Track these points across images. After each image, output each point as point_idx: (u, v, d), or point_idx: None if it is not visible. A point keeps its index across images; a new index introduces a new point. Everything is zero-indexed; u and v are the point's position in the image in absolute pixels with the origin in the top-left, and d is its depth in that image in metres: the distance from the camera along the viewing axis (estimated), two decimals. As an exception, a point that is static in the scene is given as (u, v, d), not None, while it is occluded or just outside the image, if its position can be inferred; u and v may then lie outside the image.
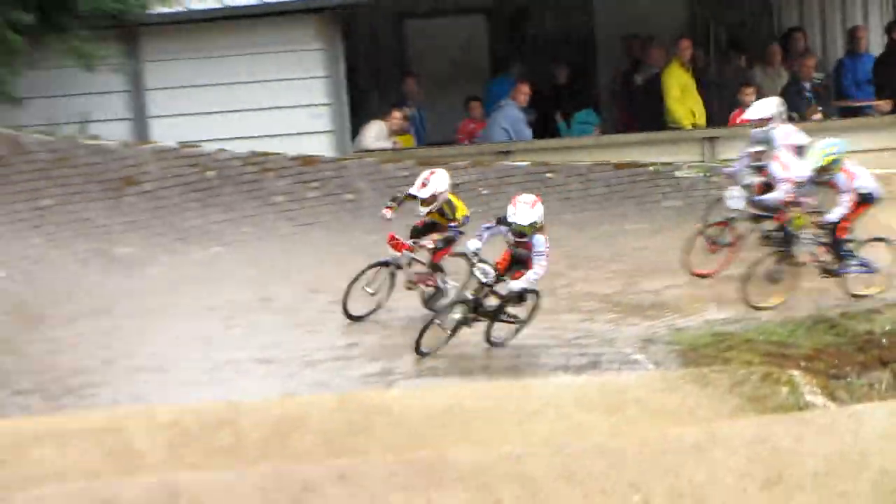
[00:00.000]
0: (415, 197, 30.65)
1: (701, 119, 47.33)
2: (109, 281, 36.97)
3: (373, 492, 18.29)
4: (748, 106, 46.42)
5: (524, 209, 27.45)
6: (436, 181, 29.91)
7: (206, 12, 45.34)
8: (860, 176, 29.20)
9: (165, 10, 45.07)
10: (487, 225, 28.83)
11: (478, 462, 19.22)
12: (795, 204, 32.33)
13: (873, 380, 27.71)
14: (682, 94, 47.52)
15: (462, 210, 32.28)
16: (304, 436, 22.75)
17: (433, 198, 29.94)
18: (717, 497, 17.64)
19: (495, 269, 28.95)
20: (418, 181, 30.27)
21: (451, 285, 33.34)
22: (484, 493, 18.06)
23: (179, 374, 30.52)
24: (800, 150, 35.12)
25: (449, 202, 31.43)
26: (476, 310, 29.30)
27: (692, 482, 18.01)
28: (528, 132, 48.32)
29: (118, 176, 41.44)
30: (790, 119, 45.21)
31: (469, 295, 29.09)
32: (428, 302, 33.75)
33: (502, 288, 28.16)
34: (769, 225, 32.75)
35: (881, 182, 40.83)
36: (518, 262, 29.05)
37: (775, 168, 32.96)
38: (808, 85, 48.84)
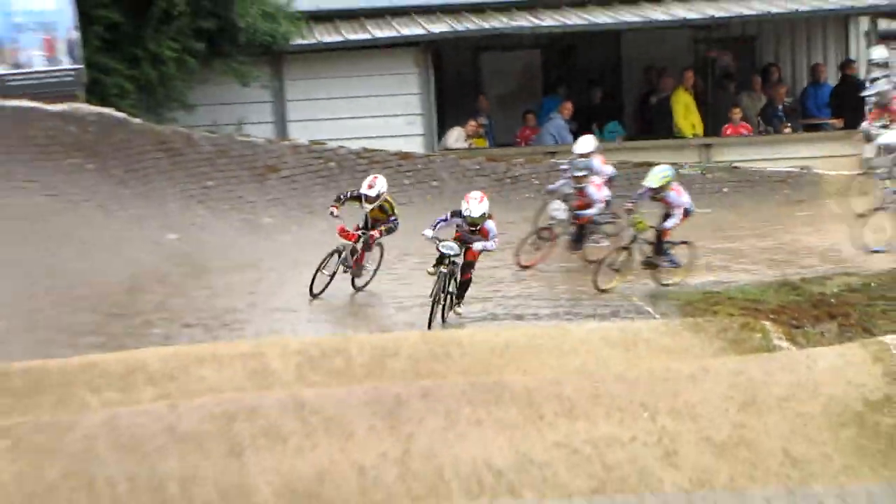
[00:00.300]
0: (357, 198, 29.99)
1: (700, 131, 47.38)
2: (255, 243, 37.15)
3: (448, 406, 18.70)
4: (736, 122, 47.85)
5: (476, 204, 27.59)
6: (380, 184, 29.54)
7: (332, 44, 45.98)
8: (685, 194, 29.86)
9: (303, 41, 46.00)
10: (442, 218, 28.61)
11: (527, 385, 19.63)
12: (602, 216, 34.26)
13: (824, 329, 27.90)
14: (685, 112, 47.73)
15: (395, 207, 31.41)
16: (397, 362, 23.29)
17: (377, 197, 29.52)
18: (706, 415, 18.15)
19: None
20: (365, 183, 29.77)
21: (372, 268, 32.64)
22: (531, 409, 18.51)
23: (305, 315, 31.32)
24: (610, 179, 35.98)
25: (388, 201, 30.76)
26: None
27: (687, 403, 18.58)
28: (570, 138, 47.12)
29: (263, 164, 41.81)
30: (766, 132, 47.72)
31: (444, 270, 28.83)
32: (354, 281, 32.63)
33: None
34: (609, 228, 33.98)
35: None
36: (465, 243, 28.49)
37: (591, 190, 34.08)
38: (780, 107, 48.86)
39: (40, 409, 21.20)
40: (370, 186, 28.87)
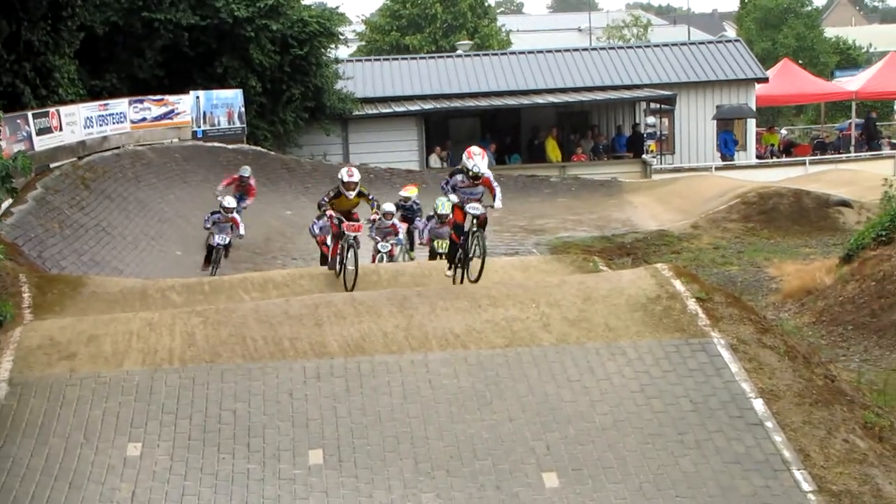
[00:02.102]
0: (337, 195, 22.93)
1: (559, 159, 47.15)
2: None
3: (431, 300, 18.18)
4: (578, 153, 47.83)
5: (479, 159, 21.09)
6: (357, 172, 23.32)
7: (372, 114, 46.35)
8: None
9: (358, 113, 45.86)
10: (445, 182, 21.79)
11: (472, 289, 19.51)
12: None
13: (625, 261, 27.81)
14: (552, 149, 47.54)
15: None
16: (404, 278, 22.97)
17: (357, 183, 22.93)
18: (565, 304, 17.72)
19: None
20: (343, 173, 23.34)
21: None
22: (474, 301, 18.15)
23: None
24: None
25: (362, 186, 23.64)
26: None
27: (555, 298, 18.25)
28: (493, 161, 47.52)
29: (336, 175, 41.84)
30: (592, 160, 48.60)
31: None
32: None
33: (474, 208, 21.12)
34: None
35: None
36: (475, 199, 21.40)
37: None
38: (600, 146, 48.78)
39: (219, 301, 20.83)
40: (350, 174, 23.01)
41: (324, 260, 26.22)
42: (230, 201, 28.02)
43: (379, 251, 27.16)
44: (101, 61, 37.95)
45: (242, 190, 30.98)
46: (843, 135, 54.25)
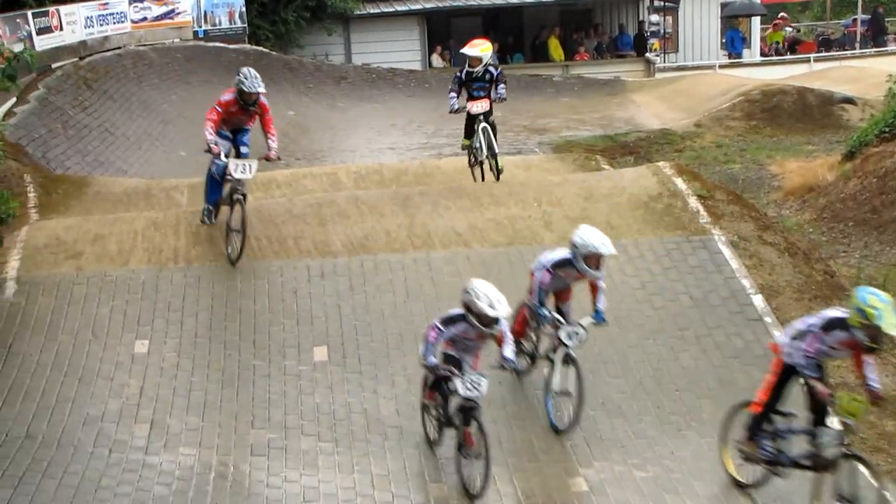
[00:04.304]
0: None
1: (562, 58, 46.93)
2: (334, 116, 36.68)
3: (433, 199, 18.06)
4: (581, 52, 47.65)
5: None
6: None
7: (374, 13, 45.93)
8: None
9: (360, 12, 45.75)
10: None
11: (474, 188, 19.49)
12: None
13: (627, 160, 27.75)
14: (555, 48, 47.29)
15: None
16: (407, 176, 22.76)
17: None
18: (567, 203, 17.64)
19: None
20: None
21: None
22: (476, 200, 18.04)
23: (359, 152, 30.99)
24: None
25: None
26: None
27: (557, 197, 18.16)
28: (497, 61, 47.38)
29: (339, 75, 41.24)
30: (596, 58, 48.24)
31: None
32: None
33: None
34: None
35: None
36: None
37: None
38: (604, 45, 48.61)
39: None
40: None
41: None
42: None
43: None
44: (102, -40, 37.76)
45: (243, 116, 17.71)
46: (848, 31, 53.94)
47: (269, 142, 16.40)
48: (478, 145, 20.32)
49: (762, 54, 51.50)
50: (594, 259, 13.04)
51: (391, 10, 47.35)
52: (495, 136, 20.49)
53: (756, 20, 52.62)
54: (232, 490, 11.53)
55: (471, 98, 20.13)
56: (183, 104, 33.10)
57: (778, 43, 52.80)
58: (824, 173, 25.13)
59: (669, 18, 51.20)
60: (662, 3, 50.35)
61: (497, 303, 12.09)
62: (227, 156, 16.69)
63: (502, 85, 19.88)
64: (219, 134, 17.03)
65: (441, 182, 21.92)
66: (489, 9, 48.89)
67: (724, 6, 50.96)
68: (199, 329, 15.07)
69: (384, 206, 18.49)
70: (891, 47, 48.72)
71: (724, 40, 50.88)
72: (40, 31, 30.19)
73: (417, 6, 47.31)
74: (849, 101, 34.71)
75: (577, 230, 13.36)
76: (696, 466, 12.77)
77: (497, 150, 20.50)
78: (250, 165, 15.64)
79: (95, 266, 16.49)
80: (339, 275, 16.31)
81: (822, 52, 50.89)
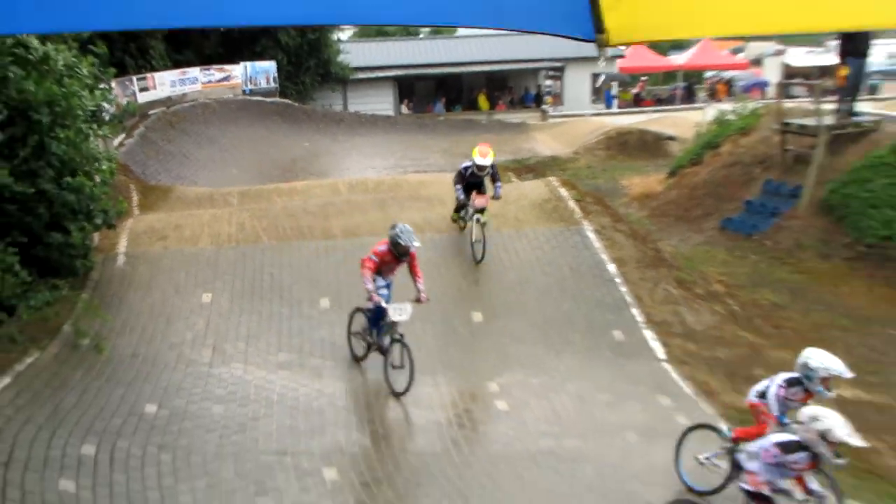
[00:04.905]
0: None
1: (487, 108, 46.88)
2: (336, 146, 36.49)
3: (401, 202, 17.97)
4: (501, 104, 47.14)
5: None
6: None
7: (362, 78, 45.43)
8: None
9: (353, 77, 45.49)
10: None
11: (428, 194, 19.41)
12: None
13: (529, 176, 27.74)
14: (482, 101, 47.22)
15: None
16: (383, 186, 22.36)
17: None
18: (490, 204, 18.05)
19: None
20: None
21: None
22: (429, 202, 17.91)
23: (352, 170, 30.74)
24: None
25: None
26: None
27: (505, 199, 18.51)
28: (444, 110, 47.66)
29: (338, 119, 41.08)
30: (509, 108, 46.94)
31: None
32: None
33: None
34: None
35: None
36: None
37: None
38: (515, 100, 48.50)
39: (259, 202, 20.77)
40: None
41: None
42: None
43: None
44: (181, 42, 37.58)
45: (394, 264, 12.85)
46: (672, 93, 54.24)
47: (419, 285, 12.25)
48: (472, 239, 16.27)
49: (618, 107, 51.74)
50: (826, 381, 8.79)
51: (374, 76, 46.98)
52: (484, 229, 16.31)
53: (615, 83, 52.95)
54: (266, 393, 11.56)
55: (469, 188, 16.50)
56: (235, 138, 33.03)
57: (627, 100, 53.07)
58: (656, 186, 25.36)
59: (558, 82, 51.34)
60: (554, 73, 50.62)
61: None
62: (386, 302, 12.40)
63: (499, 183, 16.53)
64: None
65: (406, 190, 21.64)
66: (439, 75, 48.89)
67: (595, 76, 51.12)
68: (244, 287, 15.04)
69: (368, 206, 18.44)
70: (697, 105, 48.88)
71: (593, 98, 51.24)
72: (141, 90, 30.57)
73: (392, 73, 47.27)
74: (671, 138, 34.93)
75: (809, 354, 8.94)
76: (569, 375, 12.94)
77: (485, 244, 16.10)
78: (406, 309, 11.91)
79: (176, 245, 16.44)
80: (337, 251, 16.26)
81: (656, 106, 51.18)
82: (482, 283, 15.52)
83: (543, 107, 48.97)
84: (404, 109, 47.32)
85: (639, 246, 17.05)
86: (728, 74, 54.03)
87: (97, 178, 14.92)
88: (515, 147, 37.60)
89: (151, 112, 30.41)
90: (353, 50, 48.07)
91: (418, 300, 12.16)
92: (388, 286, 12.64)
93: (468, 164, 16.47)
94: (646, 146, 34.93)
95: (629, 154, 34.30)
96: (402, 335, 11.98)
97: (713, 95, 51.13)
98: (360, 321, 12.95)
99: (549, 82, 51.05)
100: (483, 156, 16.23)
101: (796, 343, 11.68)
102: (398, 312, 11.87)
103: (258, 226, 17.25)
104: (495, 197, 16.27)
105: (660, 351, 13.80)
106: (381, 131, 40.65)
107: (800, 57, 53.26)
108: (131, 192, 21.48)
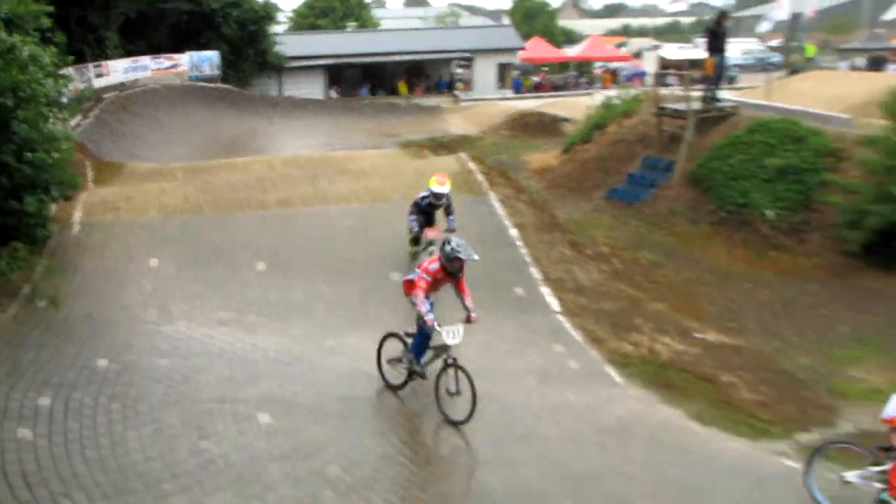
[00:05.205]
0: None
1: (406, 93, 46.59)
2: (273, 127, 35.82)
3: (330, 175, 17.78)
4: (418, 90, 46.56)
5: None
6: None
7: (296, 66, 44.53)
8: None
9: (288, 66, 44.50)
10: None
11: (353, 168, 19.17)
12: None
13: (443, 153, 27.41)
14: (402, 87, 46.85)
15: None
16: (313, 162, 21.69)
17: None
18: (407, 176, 17.64)
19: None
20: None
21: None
22: (355, 176, 17.85)
23: (286, 148, 30.21)
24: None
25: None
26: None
27: (403, 173, 18.15)
28: (368, 94, 47.36)
29: (274, 103, 40.13)
30: (426, 94, 46.29)
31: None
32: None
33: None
34: None
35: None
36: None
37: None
38: (430, 86, 48.25)
39: (202, 177, 20.19)
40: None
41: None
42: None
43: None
44: (134, 33, 36.70)
45: (446, 282, 10.14)
46: (566, 80, 54.31)
47: (468, 304, 9.76)
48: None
49: (520, 92, 51.70)
50: None
51: (307, 64, 46.20)
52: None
53: (517, 72, 52.92)
54: (207, 348, 11.26)
55: (425, 222, 14.40)
56: (181, 120, 32.19)
57: (529, 86, 52.99)
58: (552, 161, 25.41)
59: (468, 71, 51.10)
60: (464, 62, 50.37)
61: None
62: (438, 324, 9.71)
63: (453, 216, 14.12)
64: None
65: (334, 165, 21.08)
66: (365, 64, 48.23)
67: (501, 65, 51.00)
68: (189, 253, 14.60)
69: (300, 180, 18.10)
70: (586, 90, 49.07)
71: (499, 84, 51.07)
72: (97, 76, 29.96)
73: (322, 62, 46.50)
74: (565, 120, 35.00)
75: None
76: (477, 327, 12.78)
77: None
78: (459, 331, 9.50)
79: (127, 215, 15.90)
80: (273, 219, 15.93)
81: (553, 92, 51.22)
82: (401, 246, 15.32)
83: (455, 92, 48.68)
84: (333, 94, 46.60)
85: (537, 213, 17.04)
86: (613, 65, 54.30)
87: (55, 155, 14.36)
88: (431, 127, 37.40)
89: (106, 96, 29.56)
90: (288, 41, 47.17)
91: (468, 320, 9.73)
92: (432, 306, 10.06)
93: (425, 193, 14.00)
94: (544, 127, 34.96)
95: (529, 133, 34.31)
96: (455, 359, 9.66)
97: (600, 83, 51.35)
98: (395, 346, 10.50)
99: (460, 70, 50.77)
100: (441, 184, 13.96)
101: (670, 296, 11.81)
102: (451, 335, 9.46)
103: (201, 198, 16.79)
104: (449, 230, 13.69)
105: (555, 305, 13.78)
106: (313, 114, 39.93)
107: (673, 51, 53.83)
108: (86, 168, 20.67)
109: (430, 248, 13.74)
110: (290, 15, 65.04)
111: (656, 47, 56.25)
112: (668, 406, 10.60)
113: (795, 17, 48.21)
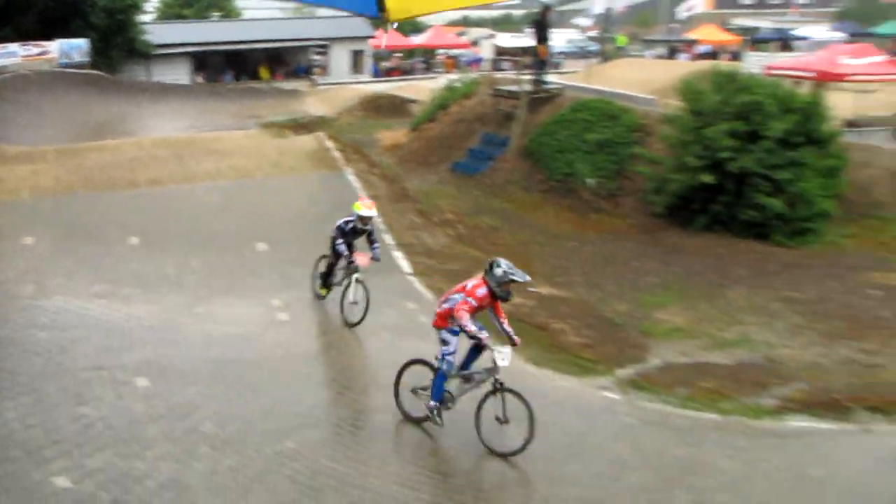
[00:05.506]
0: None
1: (267, 78, 45.44)
2: (140, 111, 33.74)
3: (197, 156, 17.09)
4: (278, 75, 45.05)
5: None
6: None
7: (163, 53, 42.19)
8: None
9: (155, 53, 42.01)
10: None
11: (220, 148, 18.63)
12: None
13: (303, 132, 26.98)
14: (264, 72, 45.48)
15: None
16: (181, 142, 20.91)
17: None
18: (270, 155, 17.22)
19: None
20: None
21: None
22: (220, 155, 17.23)
23: (155, 131, 28.51)
24: None
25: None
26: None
27: (264, 152, 17.74)
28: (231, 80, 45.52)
29: (143, 88, 37.60)
30: (287, 77, 44.20)
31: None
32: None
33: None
34: None
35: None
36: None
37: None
38: (289, 71, 47.12)
39: (74, 159, 18.97)
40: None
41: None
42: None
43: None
44: (1, 20, 34.15)
45: (490, 305, 8.26)
46: (413, 66, 54.09)
47: (508, 328, 8.21)
48: (351, 299, 11.09)
49: (374, 76, 51.16)
50: None
51: (173, 51, 43.51)
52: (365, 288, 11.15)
53: (369, 58, 52.27)
54: (84, 320, 10.71)
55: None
56: (52, 104, 30.06)
57: (382, 71, 52.45)
58: (401, 138, 25.26)
59: (325, 57, 50.20)
60: (321, 49, 49.43)
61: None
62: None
63: (377, 244, 11.47)
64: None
65: (201, 145, 20.32)
66: (228, 51, 46.51)
67: (354, 52, 50.27)
68: (62, 231, 13.83)
69: (168, 159, 17.52)
70: (431, 74, 48.97)
71: (354, 69, 50.36)
72: None
73: (188, 50, 44.27)
74: (413, 101, 34.93)
75: None
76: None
77: (368, 305, 11.07)
78: (509, 353, 7.98)
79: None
80: (144, 198, 15.36)
81: (403, 75, 50.92)
82: (265, 219, 15.02)
83: (313, 77, 47.73)
84: (199, 80, 44.78)
85: (389, 185, 17.06)
86: (454, 52, 54.52)
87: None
88: (291, 109, 36.48)
89: (-25, 82, 27.47)
90: (155, 30, 44.77)
91: (514, 343, 8.19)
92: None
93: (349, 218, 11.40)
94: (394, 108, 34.76)
95: (381, 114, 34.03)
96: (502, 382, 8.14)
97: (443, 68, 51.45)
98: (421, 373, 8.66)
99: (317, 57, 49.78)
100: (369, 207, 11.37)
101: (508, 256, 11.95)
102: (503, 357, 7.97)
103: (74, 179, 15.95)
104: (374, 258, 11.21)
105: (407, 267, 13.78)
106: (180, 98, 37.81)
107: (506, 40, 54.53)
108: (-43, 150, 19.25)
109: (357, 276, 11.08)
110: (157, 4, 62.07)
111: (492, 36, 56.75)
112: (507, 352, 10.73)
113: (609, 12, 49.96)
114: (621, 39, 51.99)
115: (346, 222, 11.42)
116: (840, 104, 19.54)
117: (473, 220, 17.06)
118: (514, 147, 20.40)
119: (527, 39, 43.11)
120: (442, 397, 8.35)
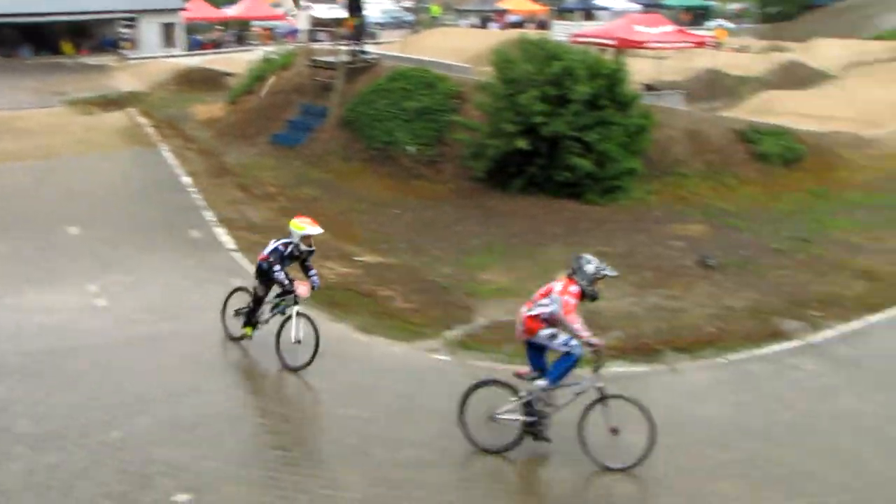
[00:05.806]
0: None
1: (72, 52, 42.10)
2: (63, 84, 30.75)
3: (0, 134, 16.30)
4: (83, 49, 41.80)
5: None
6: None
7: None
8: None
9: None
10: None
11: (20, 126, 17.21)
12: None
13: (113, 108, 25.15)
14: (67, 47, 42.06)
15: None
16: (71, 130, 19.72)
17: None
18: (77, 133, 16.20)
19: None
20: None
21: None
22: (29, 135, 16.24)
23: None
24: None
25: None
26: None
27: (72, 130, 16.63)
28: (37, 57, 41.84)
29: None
30: (93, 52, 40.96)
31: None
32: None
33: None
34: None
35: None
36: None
37: None
38: (96, 45, 43.94)
39: None
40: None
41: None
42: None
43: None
44: None
45: None
46: (226, 40, 51.72)
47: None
48: (294, 337, 8.95)
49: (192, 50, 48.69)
50: None
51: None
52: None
53: (181, 28, 49.67)
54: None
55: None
56: None
57: (197, 43, 49.96)
58: (218, 112, 24.32)
59: (133, 30, 47.35)
60: (128, 23, 46.57)
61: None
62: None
63: (314, 270, 9.30)
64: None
65: (38, 124, 18.76)
66: (24, 24, 42.70)
67: (165, 25, 47.73)
68: None
69: (42, 135, 16.14)
70: (245, 47, 47.22)
71: (165, 43, 47.71)
72: None
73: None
74: (228, 74, 33.53)
75: None
76: (158, 270, 12.14)
77: (318, 343, 8.99)
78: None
79: None
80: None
81: (215, 49, 48.76)
82: (75, 200, 14.14)
83: (121, 51, 44.87)
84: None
85: (207, 160, 16.53)
86: (270, 24, 52.95)
87: None
88: (99, 84, 33.98)
89: None
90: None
91: (596, 349, 7.23)
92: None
93: (287, 240, 9.15)
94: (209, 81, 33.24)
95: (196, 88, 32.39)
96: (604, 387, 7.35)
97: (258, 40, 49.79)
98: (502, 396, 7.59)
99: (125, 30, 46.86)
100: (314, 224, 9.06)
101: (330, 226, 11.79)
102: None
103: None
104: (314, 287, 9.22)
105: (230, 243, 13.36)
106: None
107: (323, 11, 53.53)
108: None
109: (298, 308, 9.08)
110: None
111: (308, 7, 55.48)
112: (336, 322, 10.56)
113: (422, -19, 50.14)
114: (435, 9, 52.41)
115: (285, 244, 9.14)
116: (638, 69, 20.52)
117: (294, 192, 16.72)
118: (333, 117, 20.08)
119: (342, 10, 42.56)
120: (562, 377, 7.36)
